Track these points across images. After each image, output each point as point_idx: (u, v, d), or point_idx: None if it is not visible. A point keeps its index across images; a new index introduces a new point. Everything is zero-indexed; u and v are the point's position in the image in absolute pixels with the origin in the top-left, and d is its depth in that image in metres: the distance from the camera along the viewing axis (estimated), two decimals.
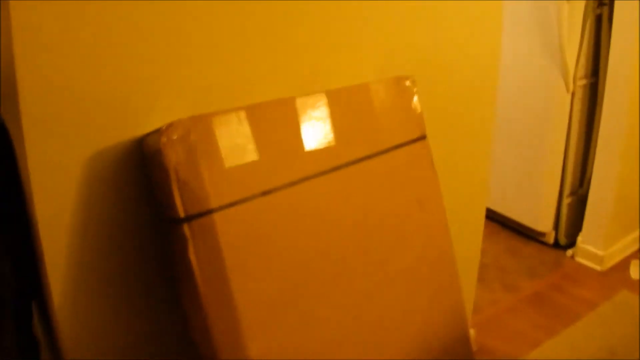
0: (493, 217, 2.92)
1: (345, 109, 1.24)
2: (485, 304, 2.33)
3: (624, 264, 2.60)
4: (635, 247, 2.70)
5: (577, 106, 2.50)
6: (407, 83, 1.33)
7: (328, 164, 1.20)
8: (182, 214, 1.03)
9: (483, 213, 1.85)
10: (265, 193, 1.12)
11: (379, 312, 1.25)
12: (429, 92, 1.47)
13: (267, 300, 1.10)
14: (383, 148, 1.28)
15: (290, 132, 1.17)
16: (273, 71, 1.21)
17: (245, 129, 1.11)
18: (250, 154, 1.11)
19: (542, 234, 2.73)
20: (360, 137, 1.25)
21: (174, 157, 1.02)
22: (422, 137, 1.34)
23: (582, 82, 2.47)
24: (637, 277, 2.52)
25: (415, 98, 1.34)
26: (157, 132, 1.04)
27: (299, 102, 1.18)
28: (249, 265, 1.09)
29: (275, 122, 1.15)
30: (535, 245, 2.75)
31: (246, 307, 1.07)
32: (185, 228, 1.03)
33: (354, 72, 1.32)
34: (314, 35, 1.24)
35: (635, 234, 2.70)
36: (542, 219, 2.68)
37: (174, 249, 1.06)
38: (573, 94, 2.46)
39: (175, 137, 1.03)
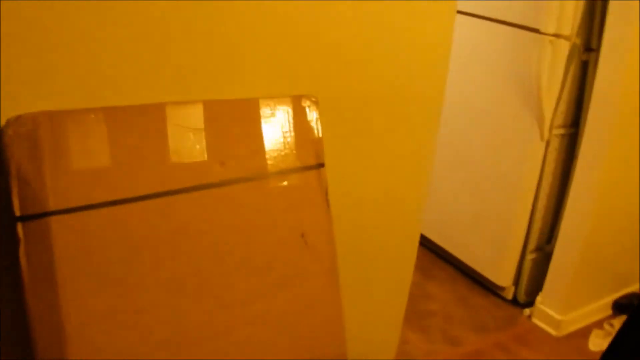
0: (450, 261, 2.85)
1: (225, 124, 1.18)
2: (419, 354, 2.25)
3: (582, 333, 2.51)
4: (597, 317, 2.60)
5: (552, 156, 2.42)
6: (306, 103, 1.27)
7: (195, 180, 1.15)
8: (18, 212, 1.00)
9: (414, 252, 1.77)
10: (113, 203, 1.08)
11: (234, 355, 1.18)
12: (350, 115, 1.42)
13: (98, 319, 1.06)
14: (266, 172, 1.22)
15: (155, 142, 1.12)
16: (155, 74, 1.16)
17: (102, 131, 1.07)
18: (103, 159, 1.07)
19: (501, 288, 2.64)
20: (239, 157, 1.19)
21: (17, 152, 1.00)
22: (317, 166, 1.28)
23: (559, 132, 2.39)
24: (596, 349, 2.42)
25: (314, 121, 1.28)
26: (6, 124, 1.01)
27: (170, 109, 1.13)
28: (83, 278, 1.04)
29: (139, 128, 1.11)
30: (492, 299, 2.67)
31: (72, 319, 1.03)
32: (19, 228, 1.01)
33: (252, 85, 1.26)
34: (205, 36, 1.19)
35: (600, 302, 2.60)
36: (502, 272, 2.59)
37: (13, 247, 1.02)
38: (548, 143, 2.38)
39: (21, 131, 1.01)
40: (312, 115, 1.28)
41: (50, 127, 1.03)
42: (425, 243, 2.93)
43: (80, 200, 1.05)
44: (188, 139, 1.15)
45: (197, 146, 1.15)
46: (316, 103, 1.29)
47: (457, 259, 2.79)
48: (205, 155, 1.16)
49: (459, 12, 2.56)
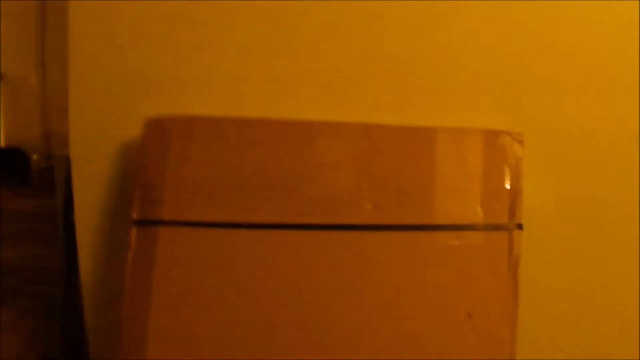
0: None
1: (386, 156, 1.01)
2: None
3: None
4: None
5: None
6: (506, 141, 1.01)
7: (334, 218, 1.00)
8: (135, 216, 1.01)
9: None
10: (229, 225, 1.00)
11: None
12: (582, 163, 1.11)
13: (181, 336, 0.98)
14: (433, 223, 1.00)
15: (294, 165, 1.01)
16: (309, 85, 1.07)
17: (236, 145, 1.02)
18: (231, 176, 1.01)
19: None
20: (399, 199, 1.00)
21: (146, 154, 1.02)
22: (511, 226, 1.00)
23: None
24: None
25: (514, 167, 1.01)
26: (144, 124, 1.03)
27: (318, 129, 1.02)
28: (177, 295, 0.99)
29: (279, 147, 1.02)
30: None
31: (157, 332, 0.97)
32: (133, 232, 1.01)
33: (437, 110, 1.05)
34: (372, 40, 1.03)
35: None
36: None
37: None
38: None
39: (154, 133, 1.02)
40: (513, 158, 1.01)
41: (182, 133, 1.02)
42: None
43: (195, 215, 1.00)
44: (335, 168, 1.01)
45: (346, 178, 1.00)
46: (520, 142, 1.01)
47: None
48: (354, 192, 1.00)
49: None
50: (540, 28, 1.08)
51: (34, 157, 1.21)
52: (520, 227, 1.01)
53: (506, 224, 1.00)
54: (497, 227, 1.00)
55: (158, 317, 0.97)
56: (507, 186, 1.01)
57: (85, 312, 1.12)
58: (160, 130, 1.01)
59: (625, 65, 1.09)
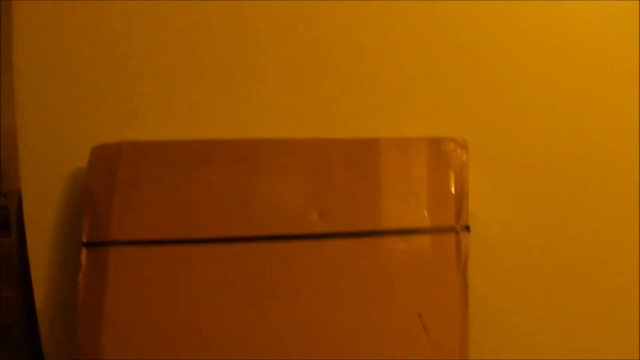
0: None
1: (331, 167, 1.06)
2: None
3: None
4: None
5: None
6: (449, 148, 1.06)
7: (283, 229, 1.04)
8: (84, 239, 1.05)
9: None
10: (179, 241, 1.05)
11: None
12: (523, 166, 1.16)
13: (135, 356, 1.03)
14: (380, 229, 1.04)
15: (242, 181, 1.06)
16: (254, 104, 1.14)
17: (183, 165, 1.08)
18: (180, 196, 1.06)
19: None
20: (345, 208, 1.05)
21: (94, 179, 1.08)
22: (457, 228, 1.05)
23: None
24: None
25: (459, 172, 1.05)
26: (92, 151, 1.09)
27: (265, 146, 1.08)
28: (129, 314, 1.04)
29: (225, 165, 1.07)
30: None
31: (112, 351, 1.02)
32: (83, 254, 1.05)
33: (376, 122, 1.12)
34: (310, 56, 1.08)
35: None
36: None
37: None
38: None
39: (102, 159, 1.08)
40: (457, 163, 1.06)
41: (130, 158, 1.08)
42: None
43: (144, 234, 1.05)
44: (282, 182, 1.06)
45: (292, 191, 1.06)
46: (464, 147, 1.06)
47: None
48: (301, 203, 1.05)
49: None
50: (479, 36, 1.14)
51: None
52: (467, 229, 1.05)
53: (453, 225, 1.05)
54: (444, 230, 1.05)
55: (111, 334, 1.01)
56: (453, 190, 1.05)
57: (42, 341, 1.15)
58: (106, 156, 1.07)
59: (566, 69, 1.15)
